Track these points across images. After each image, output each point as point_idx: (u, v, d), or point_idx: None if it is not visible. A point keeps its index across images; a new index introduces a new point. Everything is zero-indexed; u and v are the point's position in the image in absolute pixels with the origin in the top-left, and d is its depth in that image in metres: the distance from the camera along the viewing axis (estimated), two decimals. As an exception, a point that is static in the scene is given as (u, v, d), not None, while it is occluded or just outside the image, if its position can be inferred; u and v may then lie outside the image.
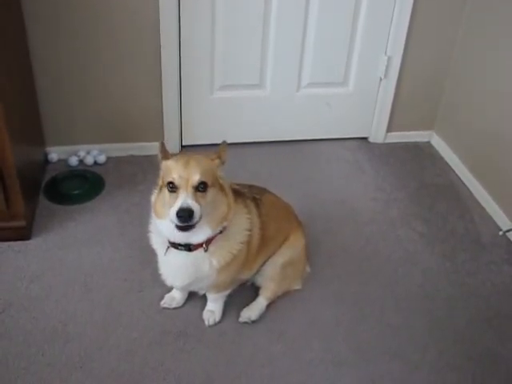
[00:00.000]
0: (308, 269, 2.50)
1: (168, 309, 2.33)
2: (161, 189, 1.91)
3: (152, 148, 3.21)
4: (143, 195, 2.90)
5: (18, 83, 2.67)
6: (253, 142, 3.45)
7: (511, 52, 2.85)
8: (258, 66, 3.19)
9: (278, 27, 3.07)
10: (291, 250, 2.31)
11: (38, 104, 3.02)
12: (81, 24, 2.84)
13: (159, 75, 3.06)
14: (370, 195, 3.12)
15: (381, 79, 3.37)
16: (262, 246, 2.18)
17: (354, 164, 3.38)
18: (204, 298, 2.30)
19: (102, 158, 3.19)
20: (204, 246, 1.94)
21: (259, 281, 2.34)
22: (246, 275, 2.27)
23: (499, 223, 2.94)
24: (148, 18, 2.88)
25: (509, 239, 2.86)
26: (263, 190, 2.32)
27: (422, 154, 3.54)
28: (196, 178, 1.80)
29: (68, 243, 2.63)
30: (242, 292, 2.37)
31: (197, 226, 1.82)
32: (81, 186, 2.98)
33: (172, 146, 3.29)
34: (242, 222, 2.05)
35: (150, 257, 2.16)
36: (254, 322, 2.29)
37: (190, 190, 1.79)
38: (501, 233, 2.87)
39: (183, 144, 3.36)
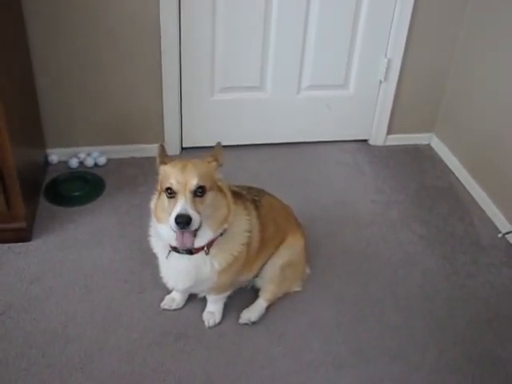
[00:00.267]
0: (308, 270, 2.50)
1: (168, 310, 2.33)
2: (160, 194, 1.91)
3: (152, 150, 3.18)
4: (143, 197, 2.89)
5: (19, 84, 2.68)
6: (253, 144, 3.45)
7: None
8: (259, 68, 3.20)
9: (279, 29, 3.08)
10: (290, 251, 2.31)
11: (38, 106, 3.02)
12: (81, 25, 2.85)
13: (160, 77, 3.07)
14: (370, 197, 3.13)
15: (381, 82, 3.37)
16: (261, 247, 2.18)
17: (354, 166, 3.38)
18: (204, 299, 2.30)
19: (102, 160, 3.19)
20: (205, 249, 1.94)
21: (259, 282, 2.34)
22: (245, 277, 2.27)
23: (498, 225, 2.94)
24: (148, 20, 2.89)
25: (508, 241, 2.86)
26: (262, 192, 2.32)
27: (422, 156, 3.55)
28: (194, 183, 1.80)
29: (68, 245, 2.63)
30: (242, 294, 2.38)
31: (197, 234, 1.84)
32: (81, 188, 2.99)
33: (172, 148, 3.29)
34: (242, 224, 2.06)
35: (151, 258, 2.16)
36: (253, 323, 2.29)
37: (188, 195, 1.79)
38: (500, 235, 2.88)
39: (184, 146, 3.37)
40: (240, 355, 2.18)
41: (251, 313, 2.30)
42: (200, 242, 1.91)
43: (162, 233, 1.93)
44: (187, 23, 2.96)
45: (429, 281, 2.59)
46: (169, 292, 2.33)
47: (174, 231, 1.81)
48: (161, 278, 2.15)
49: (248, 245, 2.09)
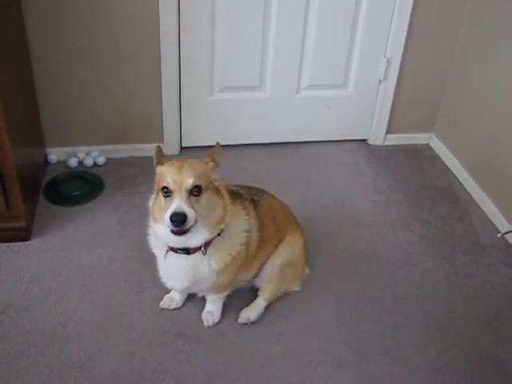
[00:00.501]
0: (307, 270, 2.50)
1: (167, 310, 2.33)
2: (157, 194, 1.92)
3: (152, 149, 3.20)
4: (143, 196, 2.87)
5: (18, 84, 2.68)
6: (252, 143, 3.45)
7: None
8: (258, 67, 3.20)
9: (278, 29, 3.08)
10: (289, 250, 2.31)
11: (37, 105, 3.02)
12: (81, 25, 2.85)
13: (159, 77, 3.07)
14: (370, 197, 3.13)
15: (380, 81, 3.37)
16: (260, 247, 2.18)
17: (353, 166, 3.38)
18: (203, 299, 2.30)
19: (101, 160, 3.19)
20: (202, 249, 1.94)
21: (258, 282, 2.34)
22: (244, 276, 2.27)
23: (498, 225, 2.94)
24: (148, 20, 2.88)
25: (507, 241, 2.86)
26: (262, 191, 2.32)
27: (422, 156, 3.55)
28: (190, 182, 1.80)
29: (68, 244, 2.63)
30: (242, 293, 2.37)
31: (193, 229, 1.83)
32: (81, 188, 2.98)
33: (172, 147, 3.30)
34: (241, 224, 2.06)
35: (150, 258, 2.16)
36: (253, 322, 2.29)
37: (184, 194, 1.79)
38: (499, 235, 2.88)
39: (183, 145, 3.37)
40: (239, 355, 2.18)
41: (250, 312, 2.30)
42: (196, 242, 1.92)
43: (160, 233, 1.94)
44: (186, 23, 2.96)
45: (428, 281, 2.59)
46: (168, 292, 2.33)
47: (170, 229, 1.81)
48: (159, 277, 2.15)
49: (247, 244, 2.09)
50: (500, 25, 2.93)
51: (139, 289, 2.42)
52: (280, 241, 2.30)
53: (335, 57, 3.26)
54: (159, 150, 1.94)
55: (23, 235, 2.61)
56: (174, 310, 2.33)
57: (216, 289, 2.17)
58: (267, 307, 2.34)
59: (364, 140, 3.62)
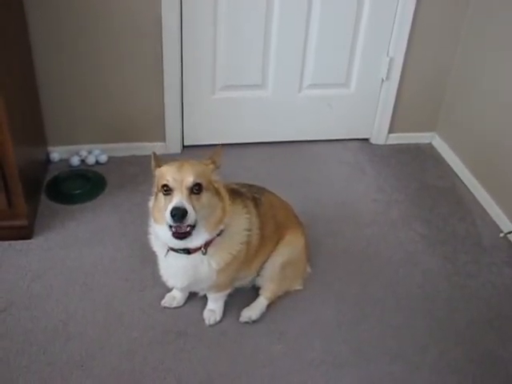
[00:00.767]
0: (309, 269, 2.50)
1: (169, 308, 2.33)
2: (156, 196, 1.92)
3: (154, 148, 3.17)
4: (145, 195, 2.87)
5: (20, 83, 2.68)
6: (254, 142, 3.45)
7: (513, 54, 2.86)
8: (260, 66, 3.19)
9: (280, 28, 3.08)
10: (290, 249, 2.31)
11: (39, 104, 3.02)
12: (83, 24, 2.85)
13: (161, 75, 3.07)
14: (371, 197, 3.12)
15: (383, 80, 3.37)
16: (261, 245, 2.18)
17: (355, 165, 3.38)
18: (204, 297, 2.30)
19: (103, 158, 3.19)
20: (202, 249, 1.95)
21: (259, 281, 2.34)
22: (245, 274, 2.27)
23: (500, 225, 2.94)
24: (150, 18, 2.88)
25: (510, 241, 2.85)
26: (263, 190, 2.32)
27: (424, 155, 3.54)
28: (190, 180, 1.81)
29: (69, 243, 2.64)
30: (243, 292, 2.38)
31: (193, 233, 1.84)
32: (82, 186, 2.99)
33: (174, 146, 3.30)
34: (241, 223, 2.06)
35: (151, 256, 2.16)
36: (254, 321, 2.29)
37: (185, 191, 1.80)
38: (502, 235, 2.88)
39: (185, 144, 3.37)
40: (240, 354, 2.18)
41: (252, 311, 2.30)
42: (196, 242, 1.92)
43: (160, 233, 1.94)
44: (188, 21, 2.96)
45: (429, 281, 2.59)
46: (169, 290, 2.34)
47: (170, 225, 1.81)
48: (160, 276, 2.15)
49: (247, 243, 2.09)
50: (502, 25, 2.93)
51: (140, 287, 2.43)
52: (280, 239, 2.31)
53: (337, 56, 3.26)
54: (155, 155, 1.96)
55: (25, 233, 2.61)
56: (175, 308, 2.34)
57: (217, 287, 2.17)
58: (269, 306, 2.34)
59: (366, 139, 3.62)
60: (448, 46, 3.30)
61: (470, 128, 3.28)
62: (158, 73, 3.06)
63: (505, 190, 2.94)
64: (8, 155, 2.37)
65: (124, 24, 2.89)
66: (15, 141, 2.38)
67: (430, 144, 3.64)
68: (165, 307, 2.33)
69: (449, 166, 3.43)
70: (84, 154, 3.19)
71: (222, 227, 1.95)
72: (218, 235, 1.96)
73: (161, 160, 1.96)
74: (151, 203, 1.98)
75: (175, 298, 2.34)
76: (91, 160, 3.17)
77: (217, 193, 1.93)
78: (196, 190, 1.82)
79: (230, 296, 2.30)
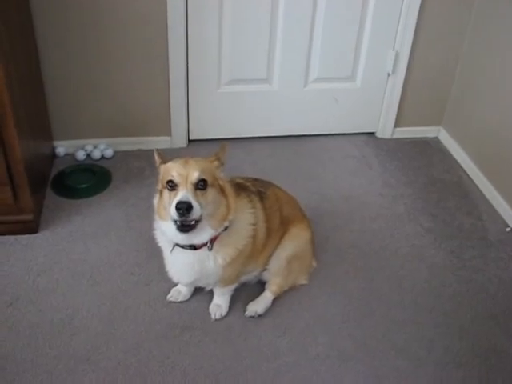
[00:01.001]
0: (314, 263, 2.49)
1: (174, 302, 2.33)
2: (161, 192, 1.92)
3: (159, 142, 3.23)
4: (150, 189, 2.88)
5: (26, 78, 2.68)
6: (260, 136, 3.45)
7: (520, 47, 2.84)
8: (266, 60, 3.19)
9: (286, 22, 3.07)
10: (296, 243, 2.30)
11: (45, 98, 3.02)
12: (88, 19, 2.85)
13: (167, 69, 3.06)
14: (377, 191, 3.12)
15: (389, 74, 3.36)
16: (267, 238, 2.18)
17: (361, 159, 3.37)
18: (210, 292, 2.30)
19: (109, 153, 3.19)
20: (208, 245, 1.95)
21: (265, 275, 2.34)
22: (252, 268, 2.27)
23: (507, 220, 2.93)
24: (155, 13, 2.88)
25: (516, 236, 2.85)
26: (268, 184, 2.32)
27: (430, 149, 3.53)
28: (195, 175, 1.81)
29: (75, 237, 2.64)
30: (249, 287, 2.38)
31: (198, 227, 1.83)
32: (88, 180, 2.99)
33: (179, 140, 3.30)
34: (247, 217, 2.05)
35: (157, 251, 2.16)
36: (260, 316, 2.29)
37: (190, 186, 1.80)
38: (508, 229, 2.87)
39: (190, 138, 3.36)
40: (246, 348, 2.18)
41: (257, 305, 2.31)
42: (202, 238, 1.92)
43: (166, 230, 1.94)
44: (194, 15, 2.95)
45: (435, 275, 2.58)
46: (175, 284, 2.34)
47: (175, 220, 1.81)
48: (166, 271, 2.15)
49: (254, 237, 2.08)
50: (509, 17, 2.91)
51: (146, 281, 2.43)
52: (286, 232, 2.30)
53: (343, 50, 3.25)
54: (159, 152, 1.97)
55: (31, 228, 2.62)
56: (181, 302, 2.34)
57: (223, 282, 2.17)
58: (274, 300, 2.34)
59: (372, 133, 3.61)
60: (454, 40, 3.28)
61: (476, 122, 3.26)
62: (164, 67, 3.06)
63: (511, 184, 2.92)
64: (14, 150, 2.37)
65: (129, 19, 2.89)
66: (21, 135, 2.39)
67: (436, 138, 3.63)
68: (170, 301, 2.33)
69: (455, 160, 3.42)
70: (90, 148, 3.19)
71: (226, 224, 1.95)
72: (225, 229, 1.96)
73: (165, 156, 1.96)
74: (156, 200, 1.98)
75: (181, 292, 2.34)
76: (97, 154, 3.17)
77: (221, 190, 1.93)
78: (201, 185, 1.82)
79: (235, 290, 2.31)
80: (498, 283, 2.57)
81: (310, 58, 3.24)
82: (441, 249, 2.73)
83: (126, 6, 2.85)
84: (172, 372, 2.07)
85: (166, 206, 1.85)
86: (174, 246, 1.98)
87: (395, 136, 3.59)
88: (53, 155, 3.18)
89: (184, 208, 1.75)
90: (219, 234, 1.95)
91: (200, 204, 1.80)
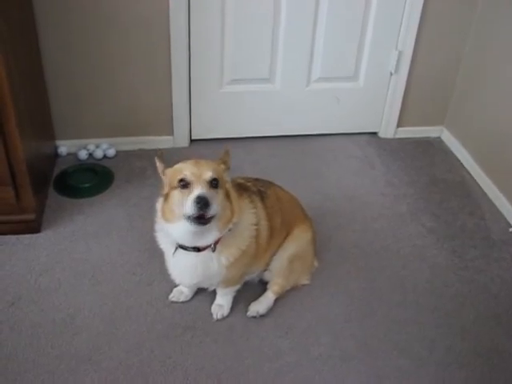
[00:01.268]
0: (316, 263, 2.49)
1: (176, 302, 2.33)
2: (167, 196, 1.90)
3: (162, 142, 3.23)
4: (152, 189, 2.91)
5: (28, 77, 2.68)
6: (262, 136, 3.45)
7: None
8: (268, 60, 3.18)
9: (288, 21, 3.06)
10: (297, 243, 2.30)
11: (48, 98, 3.03)
12: (90, 18, 2.85)
13: (169, 69, 3.06)
14: (380, 190, 3.11)
15: (391, 74, 3.35)
16: (270, 237, 2.18)
17: (363, 159, 3.37)
18: (212, 291, 2.30)
19: (111, 152, 3.20)
20: (212, 246, 1.94)
21: (267, 276, 2.34)
22: (256, 268, 2.27)
23: (509, 219, 2.93)
24: (158, 12, 2.88)
25: (519, 236, 2.85)
26: (269, 183, 2.32)
27: (433, 149, 3.53)
28: (209, 174, 1.81)
29: (77, 236, 2.64)
30: (251, 286, 2.38)
31: (212, 221, 1.81)
32: (90, 180, 2.99)
33: (181, 140, 3.30)
34: (248, 218, 2.05)
35: (159, 251, 2.16)
36: (262, 316, 2.29)
37: (204, 184, 1.79)
38: (511, 229, 2.86)
39: (192, 138, 3.36)
40: (248, 348, 2.18)
41: (259, 305, 2.30)
42: (207, 240, 1.92)
43: (171, 232, 1.92)
44: (196, 15, 2.95)
45: (438, 275, 2.58)
46: (177, 284, 2.33)
47: (189, 216, 1.78)
48: (169, 274, 2.14)
49: (257, 237, 2.08)
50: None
51: (148, 281, 2.43)
52: (289, 233, 2.30)
53: (346, 49, 3.25)
54: (162, 154, 1.96)
55: (33, 227, 2.62)
56: (182, 302, 2.34)
57: (227, 282, 2.17)
58: (276, 301, 2.34)
59: (374, 133, 3.61)
60: (457, 40, 3.28)
61: (479, 122, 3.26)
62: (166, 67, 3.06)
63: (514, 184, 2.93)
64: (16, 149, 2.37)
65: (132, 18, 2.89)
66: (23, 135, 2.39)
67: (438, 138, 3.62)
68: (172, 301, 2.33)
69: (458, 159, 3.41)
70: (92, 148, 3.19)
71: (230, 226, 1.94)
72: (229, 230, 1.96)
73: (165, 161, 1.96)
74: (159, 205, 1.96)
75: (183, 292, 2.34)
76: (99, 154, 3.17)
77: (227, 194, 1.92)
78: (214, 184, 1.81)
79: (237, 291, 2.30)
80: (501, 283, 2.56)
81: (313, 58, 3.23)
82: (443, 249, 2.73)
83: (129, 7, 2.85)
84: (173, 372, 2.07)
85: (176, 207, 1.83)
86: (176, 248, 1.98)
87: (398, 136, 3.58)
88: (55, 155, 3.18)
89: (203, 202, 1.73)
90: (222, 236, 1.95)
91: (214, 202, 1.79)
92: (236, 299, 2.32)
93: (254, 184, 2.22)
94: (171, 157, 2.14)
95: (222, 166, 1.94)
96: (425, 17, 3.14)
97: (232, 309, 2.31)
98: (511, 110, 2.93)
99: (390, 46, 3.26)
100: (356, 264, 2.61)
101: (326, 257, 2.59)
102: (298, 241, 2.32)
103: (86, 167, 3.11)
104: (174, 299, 2.34)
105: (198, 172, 1.81)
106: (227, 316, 2.29)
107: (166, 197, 1.90)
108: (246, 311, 2.30)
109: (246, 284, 2.35)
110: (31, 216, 2.59)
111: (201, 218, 1.77)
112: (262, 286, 2.37)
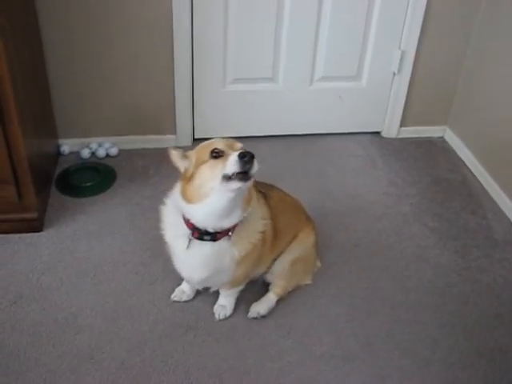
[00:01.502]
0: (318, 264, 2.49)
1: (178, 302, 2.33)
2: (189, 179, 1.84)
3: (164, 141, 3.23)
4: (155, 188, 2.91)
5: (31, 75, 2.68)
6: (264, 135, 3.44)
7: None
8: (271, 59, 3.18)
9: (291, 20, 3.06)
10: (301, 246, 2.30)
11: (50, 96, 3.03)
12: (94, 17, 2.85)
13: (172, 68, 3.06)
14: (383, 190, 3.11)
15: (394, 74, 3.34)
16: (274, 238, 2.16)
17: (366, 159, 3.36)
18: (214, 292, 2.29)
19: (114, 151, 3.19)
20: (230, 232, 1.90)
21: (269, 277, 2.33)
22: (260, 270, 2.26)
23: (512, 219, 2.93)
24: (161, 11, 2.88)
25: (522, 236, 2.84)
26: (270, 186, 2.30)
27: (435, 149, 3.52)
28: (239, 145, 1.81)
29: (79, 235, 2.64)
30: (253, 287, 2.37)
31: (250, 180, 1.76)
32: (92, 179, 2.99)
33: (184, 139, 3.30)
34: (258, 211, 2.02)
35: (161, 250, 2.15)
36: (263, 317, 2.29)
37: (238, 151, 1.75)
38: (514, 229, 2.86)
39: (195, 137, 3.36)
40: (250, 348, 2.18)
41: (261, 307, 2.30)
42: (230, 222, 1.87)
43: (194, 213, 1.86)
44: (199, 14, 2.95)
45: (440, 275, 2.57)
46: (179, 284, 2.34)
47: (233, 174, 1.72)
48: (175, 270, 2.10)
49: (264, 233, 2.06)
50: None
51: (150, 281, 2.43)
52: (294, 236, 2.30)
53: (349, 48, 3.24)
54: (180, 149, 1.94)
55: (35, 226, 2.62)
56: (185, 302, 2.34)
57: (232, 283, 2.16)
58: (278, 301, 2.34)
59: (377, 132, 3.60)
60: (460, 39, 3.27)
61: (481, 122, 3.25)
62: (169, 66, 3.06)
63: (517, 184, 2.92)
64: (18, 148, 2.37)
65: (135, 17, 2.89)
66: (25, 133, 2.39)
67: (441, 138, 3.62)
68: (174, 301, 2.33)
69: (460, 159, 3.41)
70: (94, 146, 3.19)
71: (249, 210, 1.90)
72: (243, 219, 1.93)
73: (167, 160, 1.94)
74: (177, 190, 1.91)
75: (185, 292, 2.33)
76: (101, 153, 3.17)
77: None
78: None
79: (240, 291, 2.29)
80: (504, 283, 2.56)
81: (316, 57, 3.23)
82: (446, 249, 2.72)
83: (132, 5, 2.85)
84: (176, 371, 2.07)
85: (206, 181, 1.79)
86: (190, 241, 1.95)
87: (400, 135, 3.58)
88: (57, 153, 3.18)
89: (249, 156, 1.69)
90: (238, 224, 1.91)
91: None
92: (238, 299, 2.32)
93: (255, 185, 2.20)
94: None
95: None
96: (428, 17, 3.13)
97: (234, 309, 2.31)
98: (514, 109, 2.93)
99: (393, 45, 3.25)
100: (358, 264, 2.60)
101: (328, 256, 2.59)
102: (302, 244, 2.31)
103: (88, 166, 3.11)
104: (176, 299, 2.33)
105: (228, 143, 1.81)
106: (229, 316, 2.29)
107: (189, 179, 1.85)
108: (248, 312, 2.30)
109: (248, 284, 2.34)
110: (33, 215, 2.58)
111: (245, 174, 1.72)
112: (264, 286, 2.36)
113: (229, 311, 2.29)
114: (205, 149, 1.84)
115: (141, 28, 2.93)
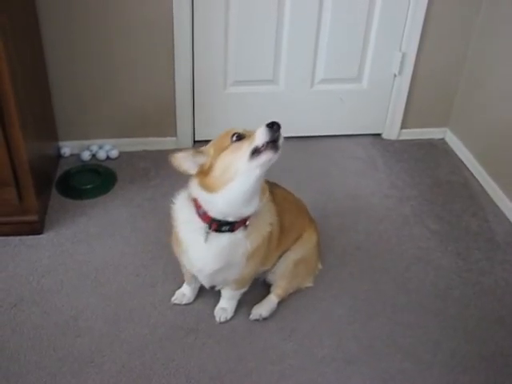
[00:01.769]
0: (320, 265, 2.48)
1: (179, 305, 2.32)
2: (208, 171, 1.83)
3: (165, 143, 3.23)
4: (156, 190, 2.91)
5: (31, 77, 2.68)
6: (265, 137, 3.43)
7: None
8: (272, 61, 3.18)
9: (292, 22, 3.06)
10: (303, 247, 2.29)
11: (51, 98, 3.02)
12: (94, 17, 2.84)
13: (172, 70, 3.06)
14: (383, 192, 3.10)
15: (395, 75, 3.34)
16: (280, 235, 2.15)
17: (367, 161, 3.36)
18: (215, 294, 2.29)
19: (114, 153, 3.19)
20: (247, 222, 1.90)
21: (271, 278, 2.33)
22: (264, 268, 2.25)
23: (513, 221, 2.92)
24: (161, 13, 2.87)
25: (523, 238, 2.83)
26: (274, 185, 2.29)
27: (436, 151, 3.51)
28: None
29: (80, 238, 2.64)
30: (254, 289, 2.35)
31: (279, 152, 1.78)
32: (93, 181, 2.99)
33: (185, 141, 3.29)
34: (266, 204, 2.01)
35: (162, 252, 2.16)
36: (265, 319, 2.28)
37: None
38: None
39: (196, 139, 3.36)
40: (251, 351, 2.17)
41: (262, 309, 2.29)
42: (250, 209, 1.86)
43: (218, 201, 1.84)
44: (200, 16, 2.95)
45: (441, 277, 2.57)
46: (180, 287, 2.33)
47: (262, 145, 1.75)
48: (175, 271, 2.09)
49: (272, 225, 2.05)
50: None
51: (151, 283, 2.42)
52: (298, 236, 2.29)
53: (350, 51, 3.24)
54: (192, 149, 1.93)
55: (36, 228, 2.61)
56: (185, 305, 2.33)
57: (238, 281, 2.15)
58: (279, 303, 2.33)
59: (378, 134, 3.60)
60: (461, 41, 3.27)
61: (482, 123, 3.25)
62: (169, 67, 3.05)
63: (518, 186, 2.91)
64: (19, 150, 2.37)
65: (135, 19, 2.88)
66: (26, 135, 2.38)
67: (442, 139, 3.61)
68: (175, 304, 2.33)
69: (461, 161, 3.40)
70: (95, 148, 3.19)
71: (264, 199, 1.91)
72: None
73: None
74: (195, 183, 1.89)
75: (185, 295, 2.33)
76: (102, 155, 3.17)
77: None
78: None
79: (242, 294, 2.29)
80: (505, 286, 2.55)
81: (317, 59, 3.22)
82: (447, 251, 2.72)
83: (132, 7, 2.85)
84: (176, 374, 2.06)
85: (230, 164, 1.79)
86: (207, 233, 1.91)
87: (401, 137, 3.57)
88: (58, 155, 3.17)
89: (277, 124, 1.75)
90: (252, 214, 1.90)
91: None
92: (239, 302, 2.31)
93: None
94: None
95: None
96: (428, 18, 3.13)
97: (235, 311, 2.30)
98: (516, 111, 2.93)
99: (394, 47, 3.25)
100: (359, 266, 2.60)
101: (329, 258, 2.58)
102: (306, 245, 2.31)
103: (88, 168, 3.10)
104: (176, 302, 2.33)
105: (248, 129, 1.83)
106: (230, 319, 2.29)
107: (207, 172, 1.84)
108: (249, 314, 2.30)
109: (250, 285, 2.33)
110: (34, 217, 2.58)
111: (274, 143, 1.76)
112: (265, 288, 2.36)
113: (230, 314, 2.28)
114: (224, 137, 1.86)
115: (141, 29, 2.92)
